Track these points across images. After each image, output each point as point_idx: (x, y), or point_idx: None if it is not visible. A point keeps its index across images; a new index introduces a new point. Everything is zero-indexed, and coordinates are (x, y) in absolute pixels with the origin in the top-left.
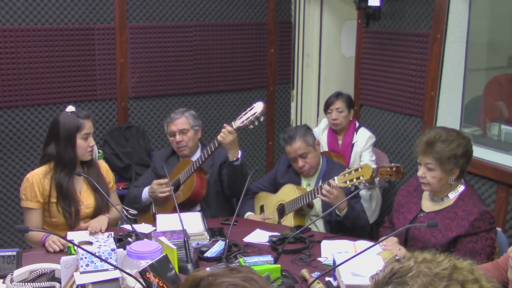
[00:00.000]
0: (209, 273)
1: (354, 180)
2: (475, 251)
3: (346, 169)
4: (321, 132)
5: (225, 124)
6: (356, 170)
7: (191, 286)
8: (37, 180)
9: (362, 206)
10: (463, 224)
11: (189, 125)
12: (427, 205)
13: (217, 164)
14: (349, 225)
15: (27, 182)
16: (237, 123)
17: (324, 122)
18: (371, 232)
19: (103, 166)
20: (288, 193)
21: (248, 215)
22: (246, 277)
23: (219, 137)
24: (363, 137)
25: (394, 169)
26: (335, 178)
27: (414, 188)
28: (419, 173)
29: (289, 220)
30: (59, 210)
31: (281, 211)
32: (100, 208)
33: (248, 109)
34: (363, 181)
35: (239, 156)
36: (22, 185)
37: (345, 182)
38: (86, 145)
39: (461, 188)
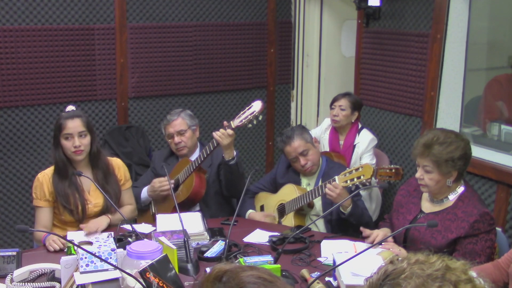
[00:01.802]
0: (234, 266)
1: (355, 179)
2: (474, 252)
3: (347, 169)
4: (323, 131)
5: (225, 123)
6: (357, 169)
7: (215, 277)
8: (47, 179)
9: (364, 204)
10: (463, 226)
11: (186, 125)
12: (427, 206)
13: (216, 163)
14: (354, 222)
15: (37, 181)
16: (236, 122)
17: (326, 122)
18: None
19: (116, 163)
20: (288, 192)
21: (250, 212)
22: (265, 273)
23: (217, 137)
24: (365, 139)
25: (393, 170)
26: (336, 177)
27: (414, 188)
28: (417, 175)
29: (289, 220)
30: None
31: (281, 210)
32: (109, 208)
33: (247, 108)
34: (364, 180)
35: (234, 155)
36: (33, 184)
37: (346, 182)
38: (70, 145)
39: (460, 189)
